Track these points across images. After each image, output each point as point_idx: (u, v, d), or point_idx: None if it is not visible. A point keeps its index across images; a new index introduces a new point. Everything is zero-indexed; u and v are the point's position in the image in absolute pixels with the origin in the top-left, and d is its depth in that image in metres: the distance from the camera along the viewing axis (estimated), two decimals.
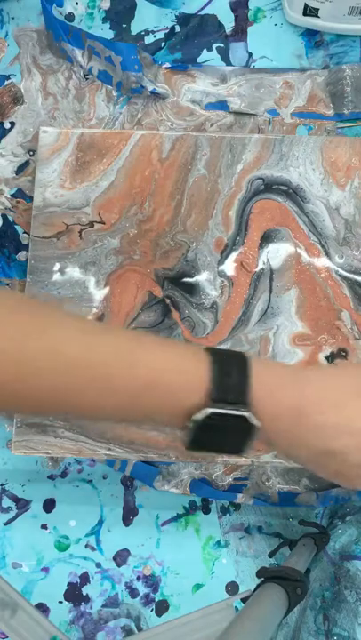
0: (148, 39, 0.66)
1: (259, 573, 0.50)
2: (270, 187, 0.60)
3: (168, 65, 0.65)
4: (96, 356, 0.36)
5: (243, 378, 0.37)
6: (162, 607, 0.59)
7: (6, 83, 0.66)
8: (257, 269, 0.59)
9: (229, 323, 0.58)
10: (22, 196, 0.65)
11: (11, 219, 0.65)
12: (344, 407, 0.39)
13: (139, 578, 0.60)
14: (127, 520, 0.61)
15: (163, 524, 0.60)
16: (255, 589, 0.48)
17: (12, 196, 0.65)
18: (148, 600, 0.59)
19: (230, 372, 0.37)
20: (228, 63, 0.65)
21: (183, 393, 0.37)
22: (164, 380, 0.37)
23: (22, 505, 0.62)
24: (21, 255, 0.64)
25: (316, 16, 0.62)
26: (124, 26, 0.66)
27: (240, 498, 0.59)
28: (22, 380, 0.35)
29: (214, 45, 0.66)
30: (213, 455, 0.45)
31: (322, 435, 0.39)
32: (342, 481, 0.42)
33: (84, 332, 0.38)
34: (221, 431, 0.37)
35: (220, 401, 0.37)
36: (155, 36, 0.66)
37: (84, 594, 0.60)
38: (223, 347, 0.58)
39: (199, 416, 0.37)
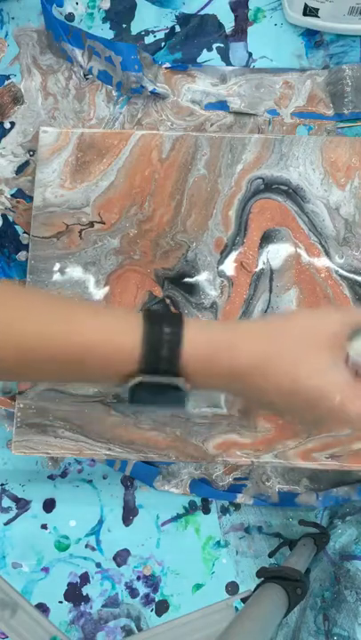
0: (148, 39, 0.66)
1: (259, 573, 0.50)
2: (270, 186, 0.60)
3: (168, 65, 0.65)
4: (31, 326, 0.37)
5: (175, 346, 0.38)
6: (162, 607, 0.59)
7: (6, 83, 0.66)
8: (257, 269, 0.59)
9: None
10: (22, 196, 0.65)
11: (11, 219, 0.65)
12: (272, 370, 0.39)
13: (139, 578, 0.60)
14: (127, 520, 0.61)
15: (163, 524, 0.60)
16: (255, 589, 0.49)
17: (12, 195, 0.65)
18: (148, 600, 0.59)
19: (162, 340, 0.38)
20: (228, 63, 0.65)
21: (117, 361, 0.38)
22: (99, 349, 0.38)
23: (22, 505, 0.62)
24: (21, 255, 0.64)
25: (317, 16, 0.62)
26: (124, 26, 0.66)
27: (240, 498, 0.59)
28: None
29: (214, 45, 0.66)
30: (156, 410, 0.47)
31: (255, 396, 0.40)
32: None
33: (18, 302, 0.39)
34: (158, 391, 0.38)
35: (151, 370, 0.37)
36: (155, 36, 0.66)
37: (84, 594, 0.60)
38: None
39: (133, 383, 0.38)
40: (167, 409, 0.41)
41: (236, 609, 0.56)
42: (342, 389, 0.38)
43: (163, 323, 0.38)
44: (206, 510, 0.60)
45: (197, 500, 0.60)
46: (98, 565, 0.60)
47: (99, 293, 0.60)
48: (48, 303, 0.40)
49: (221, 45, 0.66)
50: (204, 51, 0.66)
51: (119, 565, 0.60)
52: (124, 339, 0.38)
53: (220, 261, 0.60)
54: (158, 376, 0.38)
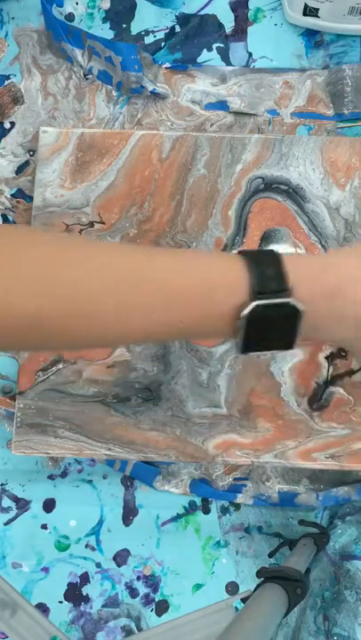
0: (148, 39, 0.66)
1: (259, 573, 0.50)
2: (270, 186, 0.60)
3: (168, 65, 0.65)
4: (145, 271, 0.39)
5: (279, 269, 0.39)
6: (162, 607, 0.59)
7: (6, 83, 0.66)
8: None
9: None
10: (22, 195, 0.65)
11: (11, 219, 0.65)
12: None
13: (139, 578, 0.60)
14: (127, 520, 0.61)
15: (163, 524, 0.60)
16: (255, 589, 0.48)
17: (12, 195, 0.65)
18: (148, 600, 0.59)
19: (266, 267, 0.39)
20: (228, 63, 0.65)
21: (228, 293, 0.39)
22: (210, 283, 0.39)
23: (22, 505, 0.62)
24: None
25: (316, 16, 0.62)
26: (124, 26, 0.66)
27: (240, 498, 0.59)
28: (83, 309, 0.37)
29: (214, 45, 0.66)
30: (269, 353, 0.46)
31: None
32: None
33: (123, 251, 0.40)
34: (270, 325, 0.39)
35: (263, 293, 0.38)
36: (155, 36, 0.66)
37: (84, 594, 0.60)
38: (223, 347, 0.58)
39: (247, 310, 0.38)
40: (278, 348, 0.41)
41: (236, 609, 0.56)
42: None
43: (260, 252, 0.41)
44: (206, 510, 0.60)
45: (197, 500, 0.60)
46: (98, 565, 0.60)
47: None
48: (143, 252, 0.41)
49: (221, 45, 0.66)
50: (204, 51, 0.66)
51: (119, 565, 0.60)
52: (231, 268, 0.39)
53: None
54: (270, 298, 0.38)
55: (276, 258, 0.40)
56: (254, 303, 0.38)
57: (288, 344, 0.41)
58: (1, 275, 0.35)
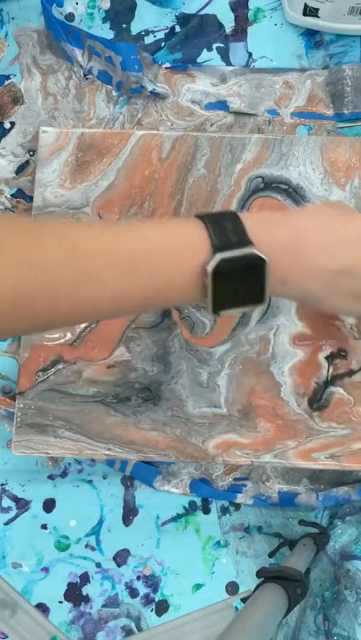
0: (148, 39, 0.66)
1: (259, 573, 0.50)
2: (270, 185, 0.60)
3: (168, 65, 0.65)
4: (108, 244, 0.39)
5: (237, 224, 0.40)
6: (162, 607, 0.59)
7: (6, 83, 0.66)
8: None
9: (229, 323, 0.58)
10: (22, 195, 0.65)
11: None
12: (338, 224, 0.42)
13: (139, 578, 0.60)
14: (127, 520, 0.61)
15: (163, 524, 0.60)
16: (255, 589, 0.49)
17: (12, 195, 0.65)
18: (148, 600, 0.59)
19: (225, 223, 0.40)
20: (228, 63, 0.65)
21: (191, 253, 0.40)
22: (172, 246, 0.40)
23: (22, 505, 0.62)
24: None
25: (316, 16, 0.62)
26: (124, 26, 0.67)
27: (240, 498, 0.59)
28: (46, 284, 0.37)
29: (214, 45, 0.66)
30: (240, 310, 0.47)
31: (327, 254, 0.41)
32: None
33: (86, 227, 0.42)
34: (237, 279, 0.40)
35: (225, 247, 0.39)
36: (155, 36, 0.66)
37: (84, 594, 0.60)
38: (223, 347, 0.58)
39: (212, 265, 0.39)
40: (249, 303, 0.41)
41: (236, 609, 0.56)
42: None
43: (216, 212, 0.42)
44: (206, 510, 0.60)
45: (197, 500, 0.61)
46: (98, 565, 0.60)
47: None
48: (99, 225, 0.43)
49: (221, 45, 0.66)
50: (204, 51, 0.66)
51: (119, 565, 0.60)
52: (190, 229, 0.40)
53: None
54: (233, 249, 0.39)
55: (232, 214, 0.41)
56: (218, 255, 0.39)
57: (258, 297, 0.41)
58: None
